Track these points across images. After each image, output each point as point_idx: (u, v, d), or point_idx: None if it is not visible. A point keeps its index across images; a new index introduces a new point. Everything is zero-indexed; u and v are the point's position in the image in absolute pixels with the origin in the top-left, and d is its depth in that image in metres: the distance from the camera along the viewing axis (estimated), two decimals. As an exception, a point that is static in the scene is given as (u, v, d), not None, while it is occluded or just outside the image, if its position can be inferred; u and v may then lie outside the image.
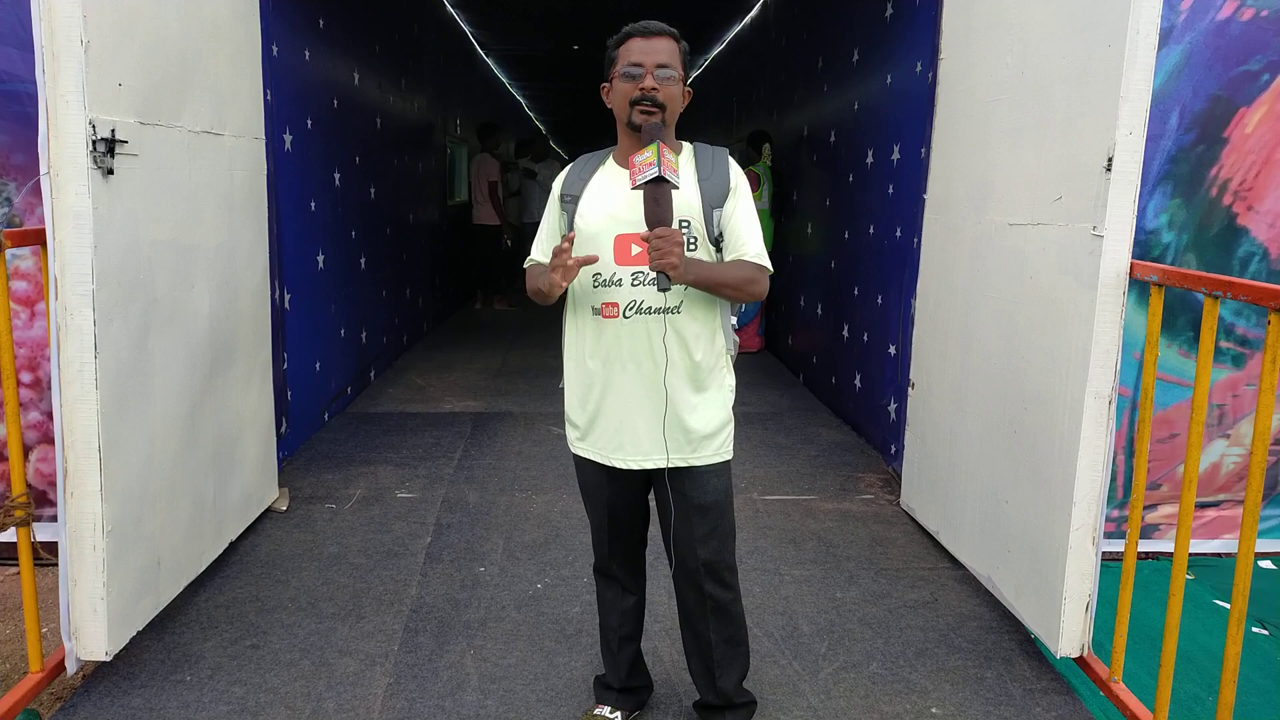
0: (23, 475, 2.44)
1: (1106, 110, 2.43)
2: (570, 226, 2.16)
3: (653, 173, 1.94)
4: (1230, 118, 3.30)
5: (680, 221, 2.07)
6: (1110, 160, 2.41)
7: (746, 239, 2.11)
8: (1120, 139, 2.38)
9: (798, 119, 7.05)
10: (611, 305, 2.11)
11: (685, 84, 2.15)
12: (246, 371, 3.51)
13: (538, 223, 2.70)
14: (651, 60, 2.06)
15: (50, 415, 3.27)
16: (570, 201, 2.18)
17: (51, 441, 3.29)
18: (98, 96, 2.37)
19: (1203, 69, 3.28)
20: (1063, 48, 2.68)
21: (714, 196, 2.11)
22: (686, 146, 2.20)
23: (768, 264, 2.13)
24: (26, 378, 3.28)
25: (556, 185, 2.25)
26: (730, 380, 2.24)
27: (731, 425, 2.22)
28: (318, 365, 5.14)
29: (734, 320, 2.27)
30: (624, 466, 2.18)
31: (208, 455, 3.17)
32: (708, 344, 2.16)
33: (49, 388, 3.25)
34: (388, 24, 6.71)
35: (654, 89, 2.05)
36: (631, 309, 2.10)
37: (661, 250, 1.91)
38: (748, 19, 9.32)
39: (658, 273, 1.94)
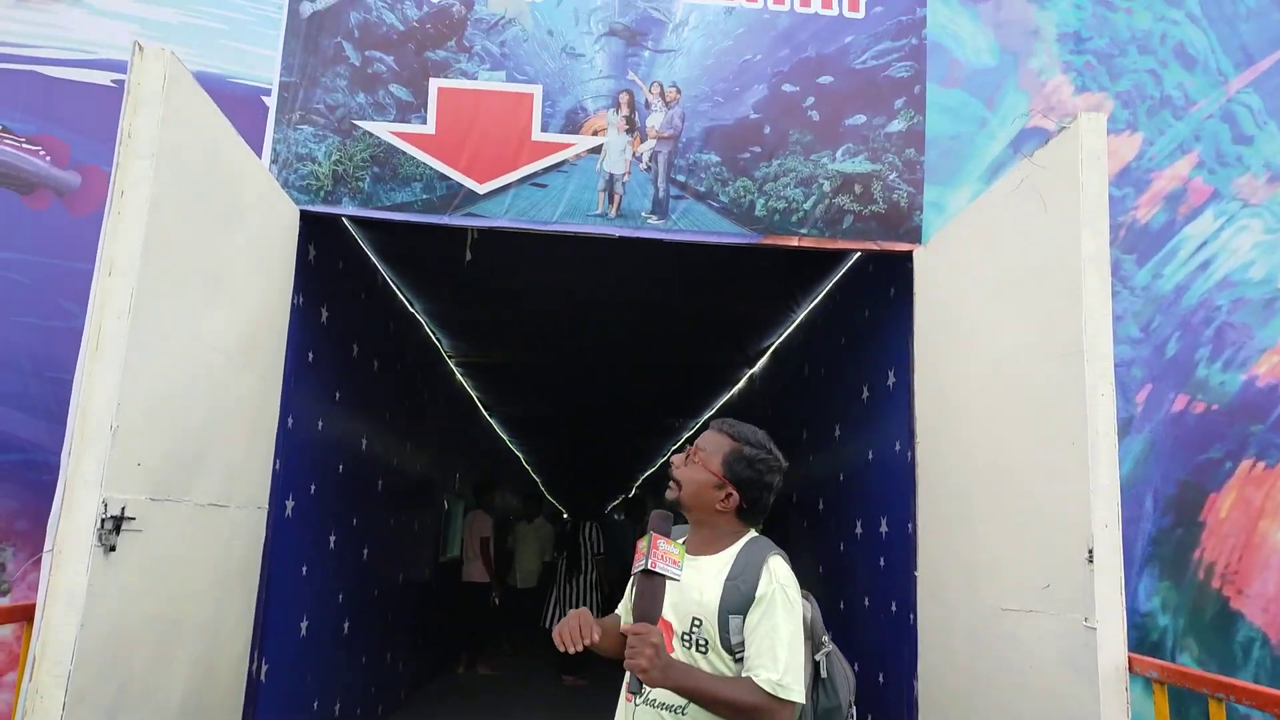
0: None
1: (1080, 503, 2.54)
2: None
3: (642, 564, 1.93)
4: (1202, 503, 3.43)
5: (692, 620, 2.02)
6: (1091, 552, 2.47)
7: (760, 660, 1.92)
8: (1098, 532, 2.47)
9: (787, 484, 7.25)
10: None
11: (726, 481, 2.14)
12: (210, 752, 3.29)
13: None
14: (695, 446, 2.22)
15: (-11, 803, 3.02)
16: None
17: (-17, 834, 3.00)
18: (115, 476, 2.48)
19: (1168, 456, 3.47)
20: (1030, 441, 2.86)
21: (734, 601, 2.00)
22: (740, 543, 2.13)
23: (789, 694, 1.89)
24: (-26, 757, 3.07)
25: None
26: None
27: None
28: (285, 739, 4.81)
29: None
30: None
31: None
32: None
33: (-5, 770, 3.03)
34: (399, 392, 7.14)
35: (672, 464, 2.19)
36: (642, 699, 2.05)
37: (633, 649, 1.82)
38: (735, 390, 9.95)
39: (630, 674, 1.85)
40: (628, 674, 1.88)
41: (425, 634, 8.85)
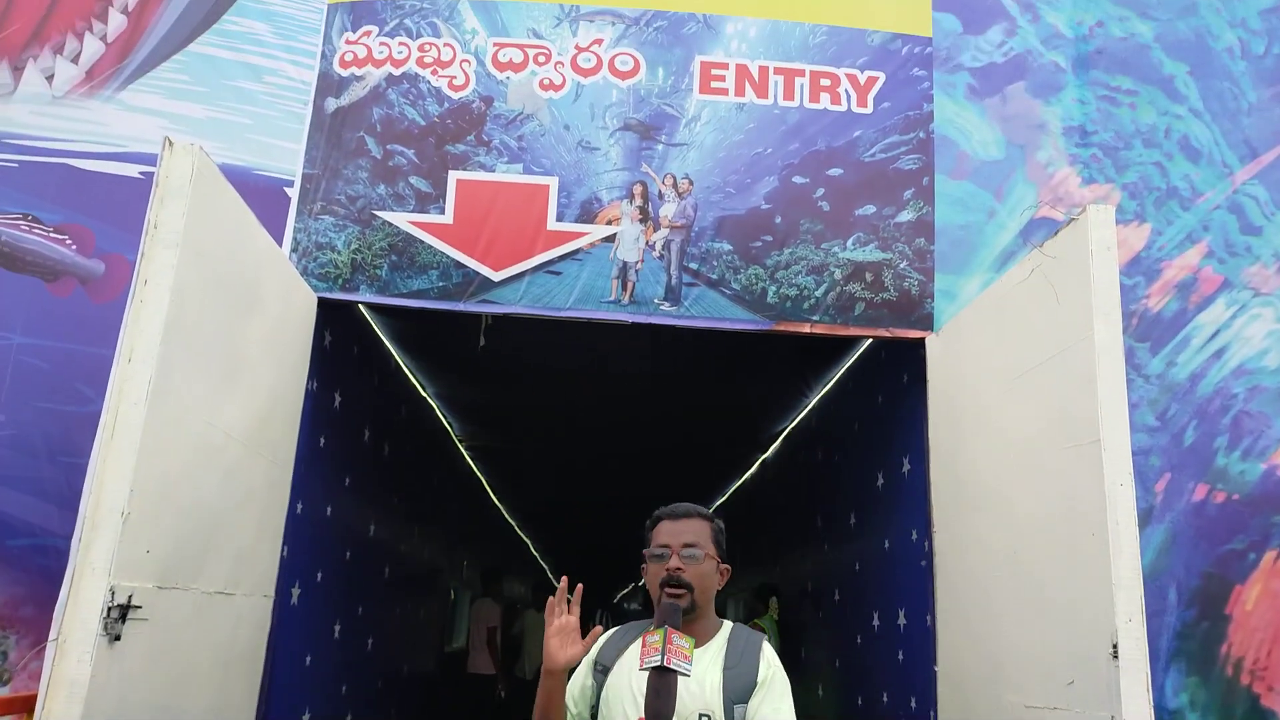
0: None
1: (1102, 595, 2.48)
2: (598, 696, 2.09)
3: (656, 659, 1.90)
4: (1228, 595, 3.36)
5: (701, 716, 1.98)
6: (1115, 646, 2.41)
7: None
8: (1121, 626, 2.41)
9: (801, 572, 7.15)
10: None
11: (721, 561, 2.16)
12: None
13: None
14: (678, 541, 2.11)
15: None
16: (601, 672, 2.12)
17: None
18: (124, 563, 2.46)
19: (1190, 547, 3.41)
20: (1050, 532, 2.82)
21: (736, 691, 2.01)
22: (724, 629, 2.15)
23: None
24: None
25: (594, 649, 2.18)
26: None
27: None
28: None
29: None
30: None
31: None
32: None
33: None
34: (409, 476, 7.11)
35: (679, 569, 2.07)
36: None
37: None
38: (748, 475, 9.88)
39: None
40: None
41: (429, 728, 8.61)
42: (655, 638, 1.94)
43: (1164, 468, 3.57)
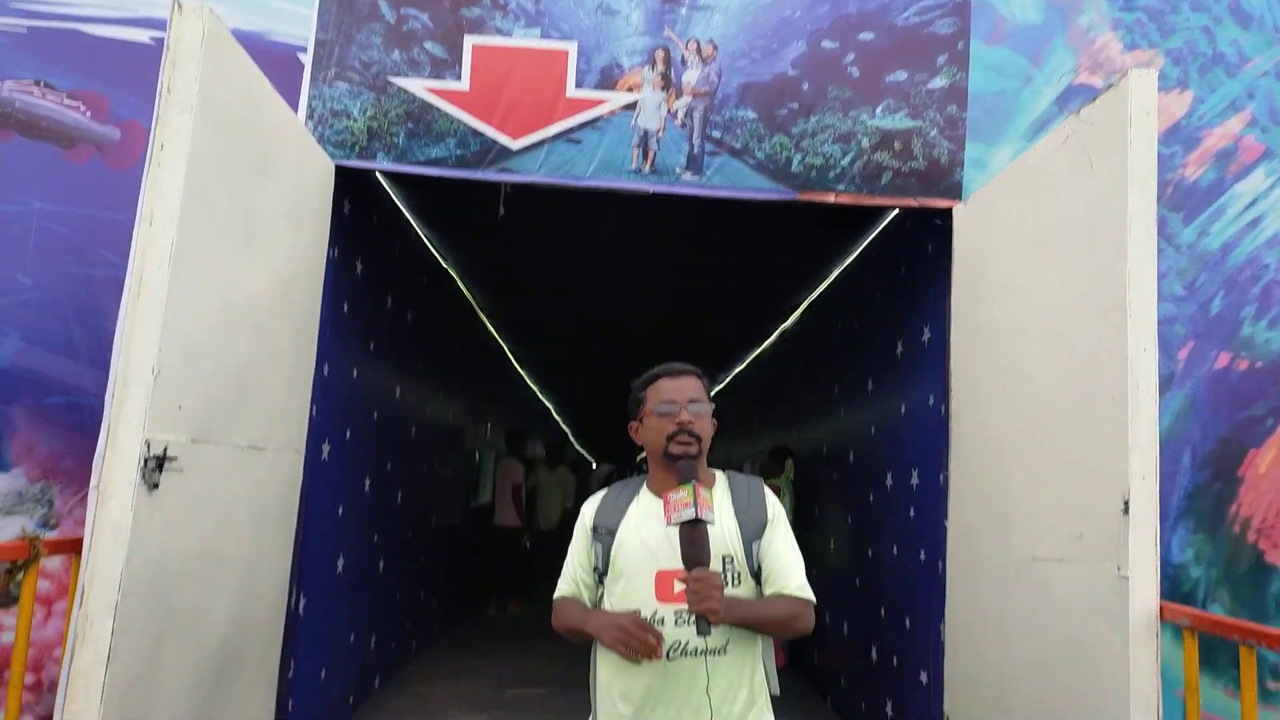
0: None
1: (1118, 455, 2.52)
2: (606, 559, 2.14)
3: (689, 513, 1.95)
4: (1242, 458, 3.39)
5: (724, 558, 2.06)
6: (1127, 503, 2.46)
7: (788, 572, 2.10)
8: (1134, 484, 2.45)
9: (817, 436, 7.27)
10: None
11: (712, 414, 2.24)
12: (252, 680, 3.41)
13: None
14: (684, 396, 2.17)
15: (46, 718, 3.15)
16: (606, 534, 2.16)
17: (40, 755, 3.14)
18: (157, 418, 2.54)
19: (1209, 412, 3.43)
20: (1068, 395, 2.84)
21: (752, 529, 2.12)
22: (720, 476, 2.24)
23: (811, 596, 2.10)
24: (29, 679, 3.20)
25: (588, 516, 2.23)
26: (769, 717, 2.13)
27: None
28: (323, 673, 4.95)
29: None
30: None
31: (200, 777, 3.00)
32: (749, 682, 2.08)
33: (49, 690, 3.16)
34: (432, 343, 7.20)
35: (690, 422, 2.13)
36: (675, 650, 2.03)
37: (700, 594, 1.89)
38: (766, 343, 9.92)
39: (697, 618, 1.90)
40: (690, 620, 1.95)
41: (458, 575, 9.04)
42: (681, 494, 1.98)
43: (1188, 336, 3.55)
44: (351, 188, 4.24)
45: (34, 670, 3.21)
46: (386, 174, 4.24)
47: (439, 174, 3.85)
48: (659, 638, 1.97)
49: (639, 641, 1.95)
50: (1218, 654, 3.29)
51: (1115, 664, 2.48)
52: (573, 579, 2.21)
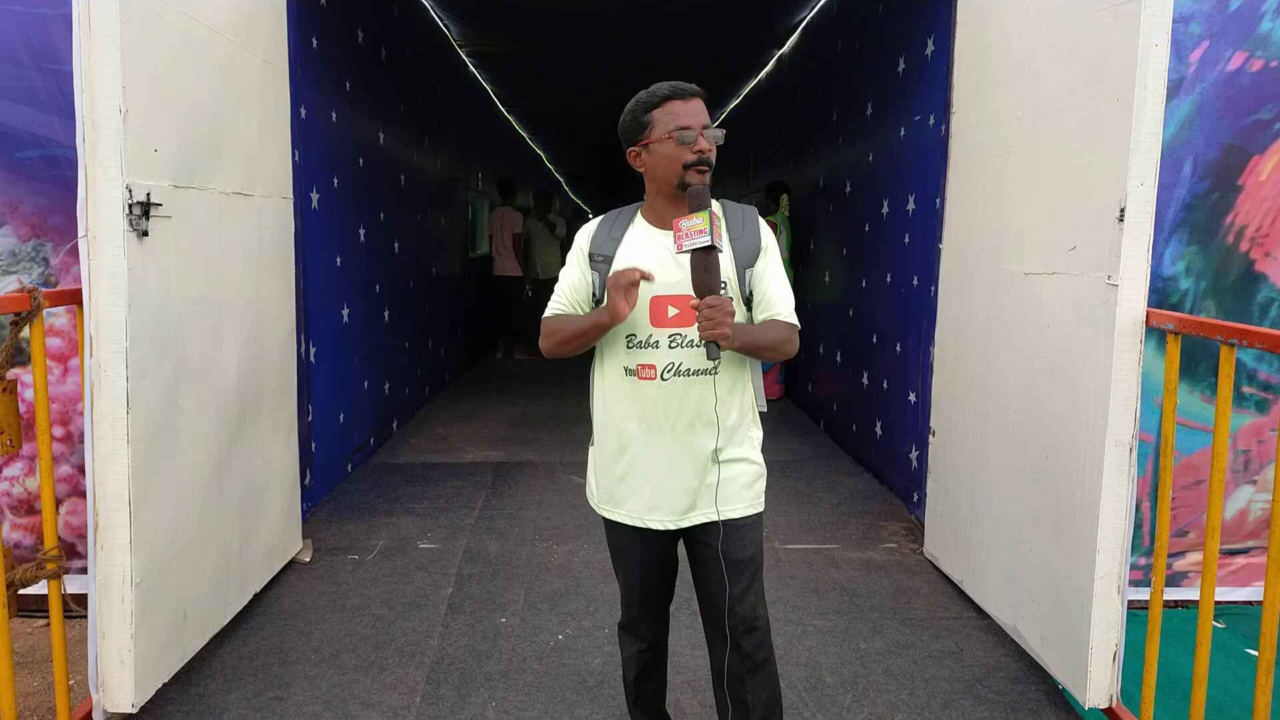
0: (55, 528, 2.49)
1: (1117, 162, 2.47)
2: (602, 287, 2.14)
3: (704, 240, 1.91)
4: (1244, 166, 3.33)
5: (720, 284, 2.06)
6: (1123, 211, 2.44)
7: (779, 299, 2.12)
8: (1132, 190, 2.42)
9: (814, 170, 7.14)
10: (648, 367, 2.10)
11: None
12: (272, 424, 3.57)
13: (553, 279, 2.68)
14: (698, 121, 2.06)
15: (80, 469, 3.34)
16: (603, 261, 2.15)
17: (81, 495, 3.34)
18: (134, 162, 2.46)
19: (1214, 118, 3.32)
20: (1072, 101, 2.73)
21: (746, 257, 2.12)
22: (715, 204, 2.18)
23: (798, 322, 2.14)
24: (58, 432, 3.35)
25: (583, 243, 2.21)
26: (757, 433, 2.23)
27: (764, 476, 2.22)
28: (341, 417, 5.20)
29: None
30: (660, 528, 2.16)
31: (234, 508, 3.22)
32: (740, 400, 2.17)
33: (79, 441, 3.32)
34: (412, 84, 6.90)
35: (709, 150, 2.05)
36: (670, 371, 2.09)
37: (714, 320, 1.90)
38: (763, 73, 9.49)
39: (707, 343, 1.93)
40: (690, 337, 2.03)
41: (463, 324, 9.26)
42: (696, 220, 1.93)
43: (1203, 35, 3.36)
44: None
45: (61, 424, 3.35)
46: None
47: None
48: (642, 273, 1.99)
49: (624, 279, 1.97)
50: (1197, 363, 3.41)
51: (1099, 371, 2.57)
52: (566, 300, 2.20)
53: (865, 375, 5.68)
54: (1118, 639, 2.61)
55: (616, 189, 21.97)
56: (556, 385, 8.50)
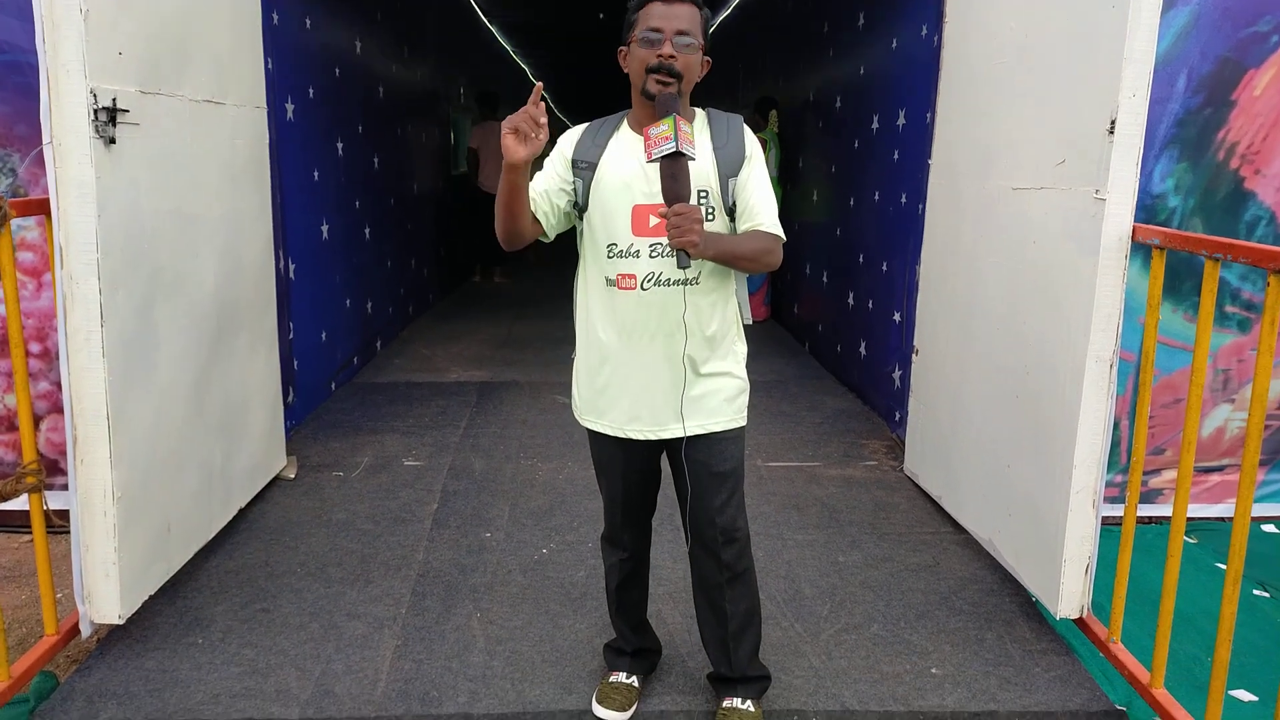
0: (33, 443, 2.47)
1: (1110, 73, 2.41)
2: (586, 194, 2.10)
3: (669, 147, 1.88)
4: (1239, 80, 3.27)
5: (699, 192, 2.02)
6: (1113, 123, 2.39)
7: (761, 209, 2.07)
8: (1123, 101, 2.37)
9: (803, 84, 7.00)
10: (628, 277, 2.07)
11: (705, 53, 2.07)
12: (252, 340, 3.53)
13: None
14: (671, 26, 1.98)
15: (59, 385, 3.31)
16: (586, 169, 2.10)
17: (61, 411, 3.32)
18: (98, 65, 2.37)
19: (1211, 31, 3.24)
20: (1066, 9, 2.66)
21: (730, 166, 2.07)
22: (700, 113, 2.14)
23: (782, 233, 2.09)
24: (35, 348, 3.31)
25: (566, 149, 2.15)
26: (741, 347, 2.23)
27: (747, 390, 2.21)
28: (323, 335, 5.16)
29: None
30: (640, 438, 2.16)
31: (215, 423, 3.20)
32: (722, 313, 2.15)
33: (57, 357, 3.28)
34: (389, -9, 6.67)
35: (671, 57, 1.97)
36: (650, 281, 2.06)
37: (681, 228, 1.87)
38: (753, -16, 9.21)
39: (677, 251, 1.90)
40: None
41: (445, 244, 9.14)
42: (663, 127, 1.91)
43: (1204, -56, 3.26)
44: None
45: (38, 340, 3.30)
46: None
47: None
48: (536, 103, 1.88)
49: (522, 116, 1.87)
50: (1182, 281, 3.40)
51: (1083, 287, 2.56)
52: (543, 197, 2.12)
53: (851, 295, 5.67)
54: (1090, 552, 2.66)
55: (605, 110, 21.52)
56: (541, 306, 8.46)
